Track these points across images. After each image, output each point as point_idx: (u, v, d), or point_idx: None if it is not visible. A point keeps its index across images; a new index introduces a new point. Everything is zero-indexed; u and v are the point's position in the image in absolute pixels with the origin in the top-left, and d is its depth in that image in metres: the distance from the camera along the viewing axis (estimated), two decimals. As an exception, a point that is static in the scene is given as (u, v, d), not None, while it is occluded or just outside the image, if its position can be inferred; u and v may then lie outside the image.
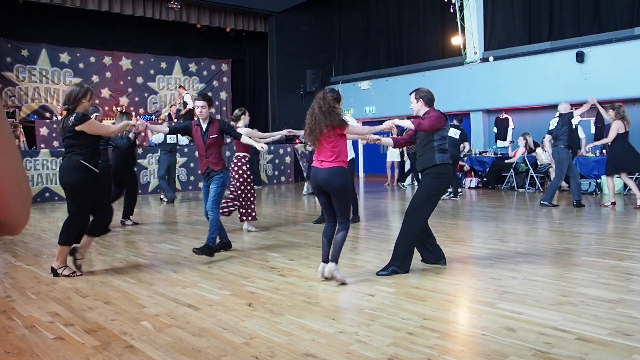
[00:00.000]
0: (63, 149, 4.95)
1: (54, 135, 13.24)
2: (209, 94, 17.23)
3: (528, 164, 11.44)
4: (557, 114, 8.88)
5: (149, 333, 3.32)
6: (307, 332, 3.25)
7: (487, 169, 12.36)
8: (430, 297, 3.91)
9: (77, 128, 4.69)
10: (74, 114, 4.75)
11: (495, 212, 8.41)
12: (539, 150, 11.53)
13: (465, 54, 14.18)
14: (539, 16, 13.34)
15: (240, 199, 6.93)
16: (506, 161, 11.96)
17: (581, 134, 10.53)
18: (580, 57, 11.73)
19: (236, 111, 7.16)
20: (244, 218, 7.03)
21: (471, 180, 12.70)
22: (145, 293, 4.25)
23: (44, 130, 13.13)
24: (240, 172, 6.91)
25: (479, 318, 3.42)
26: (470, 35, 13.97)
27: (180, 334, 3.30)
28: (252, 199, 7.01)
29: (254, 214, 7.05)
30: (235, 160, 6.97)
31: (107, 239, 6.82)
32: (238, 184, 6.90)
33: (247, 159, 6.96)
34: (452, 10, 13.91)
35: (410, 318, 3.45)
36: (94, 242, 6.64)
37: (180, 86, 16.06)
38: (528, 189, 11.53)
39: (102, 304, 3.98)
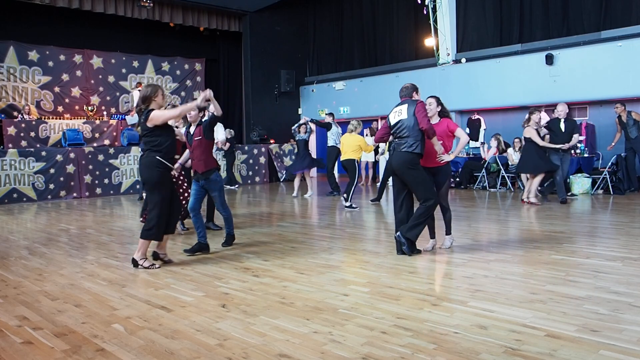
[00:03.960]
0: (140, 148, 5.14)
1: (21, 134, 12.96)
2: (182, 93, 17.14)
3: (499, 164, 11.62)
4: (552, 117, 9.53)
5: (120, 336, 3.28)
6: (282, 333, 3.25)
7: (460, 169, 12.52)
8: (403, 296, 3.94)
9: (149, 124, 4.86)
10: (145, 112, 4.92)
11: (468, 211, 8.52)
12: (510, 150, 11.72)
13: (438, 55, 14.34)
14: (509, 19, 13.58)
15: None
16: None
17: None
18: (549, 60, 11.99)
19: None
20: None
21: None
22: (117, 295, 4.19)
23: (11, 130, 12.83)
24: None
25: (452, 316, 3.47)
26: (443, 36, 14.13)
27: (153, 336, 3.26)
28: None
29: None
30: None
31: (77, 241, 6.70)
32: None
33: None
34: (425, 12, 14.06)
35: (384, 317, 3.48)
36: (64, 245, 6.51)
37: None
38: (499, 188, 11.71)
39: (72, 306, 3.91)
